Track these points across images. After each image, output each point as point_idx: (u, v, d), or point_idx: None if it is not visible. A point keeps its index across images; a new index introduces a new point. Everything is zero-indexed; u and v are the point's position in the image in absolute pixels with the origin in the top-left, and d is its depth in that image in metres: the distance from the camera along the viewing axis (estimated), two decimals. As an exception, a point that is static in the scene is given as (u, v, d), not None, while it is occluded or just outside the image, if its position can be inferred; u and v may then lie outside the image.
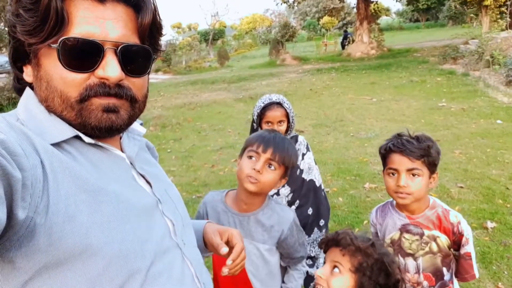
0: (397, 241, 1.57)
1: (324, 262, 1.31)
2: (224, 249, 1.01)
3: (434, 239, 1.50)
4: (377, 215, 1.68)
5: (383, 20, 30.64)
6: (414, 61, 13.80)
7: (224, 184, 4.80)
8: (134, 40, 0.73)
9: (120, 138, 0.85)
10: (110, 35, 0.69)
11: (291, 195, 2.08)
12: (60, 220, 0.59)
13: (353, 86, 10.93)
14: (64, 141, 0.70)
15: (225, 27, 41.27)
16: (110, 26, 0.69)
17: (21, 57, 0.73)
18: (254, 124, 2.10)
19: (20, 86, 0.78)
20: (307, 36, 35.28)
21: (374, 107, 8.30)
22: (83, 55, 0.68)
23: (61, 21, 0.66)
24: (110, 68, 0.69)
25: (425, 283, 1.53)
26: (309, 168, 2.13)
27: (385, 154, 1.52)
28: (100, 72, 0.69)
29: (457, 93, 8.63)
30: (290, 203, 2.08)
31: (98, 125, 0.71)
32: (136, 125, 0.89)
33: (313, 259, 2.10)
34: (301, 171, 2.11)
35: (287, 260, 1.57)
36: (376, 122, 7.09)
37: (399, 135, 1.52)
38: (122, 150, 0.82)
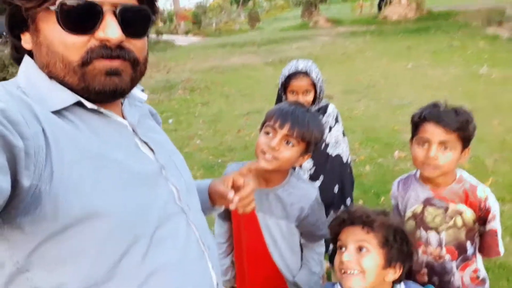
0: (419, 215, 1.52)
1: (338, 245, 1.27)
2: (230, 194, 0.97)
3: (459, 213, 1.44)
4: (399, 187, 1.62)
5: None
6: (455, 25, 12.96)
7: (250, 149, 4.80)
8: (132, 1, 0.72)
9: (122, 104, 0.84)
10: None
11: (313, 169, 2.01)
12: (64, 187, 0.60)
13: (388, 51, 10.46)
14: (65, 109, 0.69)
15: (257, -13, 40.06)
16: None
17: (18, 24, 0.72)
18: (280, 94, 2.02)
19: (18, 55, 0.77)
20: (342, -3, 33.79)
21: (409, 73, 7.96)
22: (82, 17, 0.67)
23: None
24: (110, 29, 0.68)
25: (447, 257, 1.48)
26: (336, 142, 2.03)
27: (418, 122, 1.43)
28: (100, 33, 0.68)
29: (500, 60, 8.10)
30: (312, 178, 2.01)
31: (102, 89, 0.70)
32: (137, 92, 0.89)
33: None
34: (326, 145, 2.02)
35: (307, 238, 1.52)
36: (410, 89, 6.81)
37: (435, 105, 1.42)
38: (123, 117, 0.82)
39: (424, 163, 1.41)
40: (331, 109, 2.05)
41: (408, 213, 1.55)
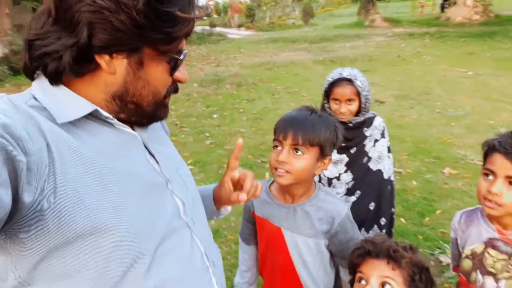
0: (478, 255, 1.35)
1: (358, 276, 1.17)
2: (241, 197, 0.99)
3: None
4: (461, 219, 1.45)
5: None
6: (525, 31, 12.03)
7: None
8: None
9: None
10: None
11: (352, 182, 1.91)
12: (68, 202, 0.60)
13: (448, 56, 9.87)
14: (77, 120, 0.69)
15: (314, -18, 39.45)
16: None
17: (116, 46, 0.67)
18: (324, 102, 1.93)
19: (34, 68, 0.69)
20: (402, -4, 32.45)
21: (469, 81, 7.44)
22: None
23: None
24: (184, 71, 0.80)
25: None
26: (379, 157, 1.91)
27: (487, 151, 1.28)
28: (178, 74, 0.78)
29: None
30: (350, 192, 1.91)
31: (163, 117, 0.82)
32: None
33: None
34: (369, 158, 1.91)
35: (340, 260, 1.41)
36: (468, 99, 6.36)
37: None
38: (133, 129, 0.81)
39: (486, 197, 1.25)
40: (378, 122, 1.93)
41: (467, 251, 1.39)
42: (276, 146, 1.28)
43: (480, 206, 1.40)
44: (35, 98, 0.68)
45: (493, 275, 1.31)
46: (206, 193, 1.10)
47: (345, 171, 1.92)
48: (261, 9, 23.97)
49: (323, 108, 1.92)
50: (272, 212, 1.40)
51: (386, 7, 21.88)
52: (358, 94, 1.79)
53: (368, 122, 1.91)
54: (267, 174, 4.09)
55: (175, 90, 0.81)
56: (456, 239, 1.47)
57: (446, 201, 3.39)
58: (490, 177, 1.25)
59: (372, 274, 1.12)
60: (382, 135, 1.92)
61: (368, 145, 1.90)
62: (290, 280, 1.43)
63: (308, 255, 1.38)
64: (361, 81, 1.80)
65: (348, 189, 1.93)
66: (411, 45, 11.67)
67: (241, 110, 6.55)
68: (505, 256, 1.28)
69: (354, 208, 1.82)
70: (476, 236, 1.37)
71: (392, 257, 1.11)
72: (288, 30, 19.44)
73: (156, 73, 0.74)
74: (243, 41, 15.58)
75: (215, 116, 6.26)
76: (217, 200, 1.10)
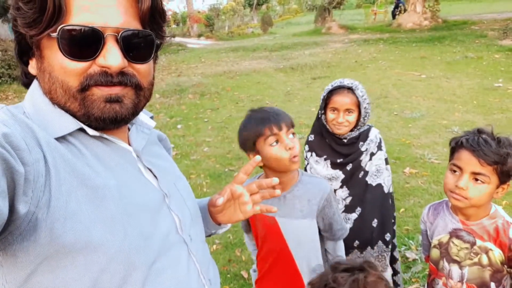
0: (444, 245, 1.44)
1: None
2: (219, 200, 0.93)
3: (486, 251, 1.34)
4: (429, 212, 1.55)
5: (440, -12, 28.51)
6: (471, 35, 12.76)
7: (258, 159, 4.73)
8: (135, 26, 0.71)
9: (129, 130, 0.84)
10: (110, 22, 0.67)
11: (349, 199, 1.82)
12: (61, 215, 0.59)
13: (401, 60, 10.33)
14: (69, 134, 0.69)
15: (270, -9, 40.07)
16: (110, 13, 0.67)
17: (25, 50, 0.73)
18: (320, 112, 1.82)
19: (27, 80, 0.78)
20: (356, 3, 33.63)
21: (423, 84, 7.81)
22: (83, 43, 0.66)
23: (58, 10, 0.65)
24: (111, 56, 0.67)
25: None
26: (377, 170, 1.81)
27: (455, 147, 1.35)
28: (101, 60, 0.67)
29: (517, 73, 7.93)
30: (349, 208, 1.82)
31: (101, 116, 0.69)
32: (146, 118, 0.89)
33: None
34: (365, 173, 1.80)
35: (327, 234, 1.52)
36: (423, 100, 6.68)
37: (479, 131, 1.32)
38: (129, 143, 0.81)
39: (452, 191, 1.33)
40: (374, 134, 1.82)
41: (434, 241, 1.48)
42: (276, 142, 1.34)
43: (446, 199, 1.49)
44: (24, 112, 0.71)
45: (458, 262, 1.40)
46: (203, 203, 1.07)
47: (341, 187, 1.83)
48: (220, 18, 24.06)
49: (318, 119, 1.86)
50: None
51: (341, 14, 22.56)
52: (358, 105, 1.71)
53: (364, 136, 1.81)
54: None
55: (107, 81, 0.68)
56: (426, 231, 1.55)
57: (408, 199, 3.53)
58: (457, 172, 1.32)
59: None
60: (379, 148, 1.82)
61: (364, 159, 1.80)
62: (286, 267, 1.51)
63: (301, 235, 1.47)
64: (362, 91, 1.71)
65: (346, 206, 1.83)
66: (367, 51, 12.10)
67: (205, 120, 6.52)
68: (467, 245, 1.37)
69: (357, 226, 1.80)
70: (442, 227, 1.46)
71: None
72: (248, 39, 19.61)
73: (54, 61, 0.67)
74: (203, 50, 15.55)
75: (179, 126, 6.20)
76: (212, 213, 1.05)
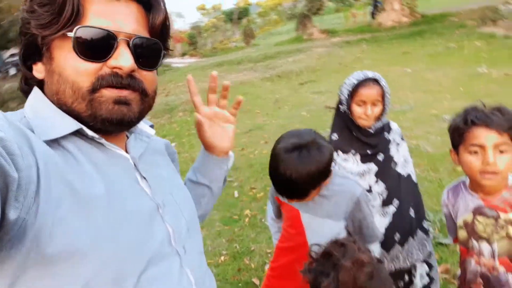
0: (470, 224, 1.42)
1: None
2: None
3: (511, 223, 1.33)
4: (449, 195, 1.53)
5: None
6: (450, 26, 12.99)
7: (255, 167, 4.73)
8: (145, 35, 0.75)
9: (127, 137, 0.84)
10: (123, 28, 0.71)
11: (386, 193, 1.78)
12: (49, 222, 0.58)
13: (385, 57, 10.47)
14: (66, 139, 0.69)
15: (249, 4, 40.62)
16: (123, 21, 0.72)
17: (32, 55, 0.74)
18: (341, 107, 1.78)
19: (27, 87, 0.79)
20: (335, 8, 34.13)
21: (408, 78, 7.92)
22: (97, 44, 0.69)
23: (76, 13, 0.68)
24: (123, 58, 0.70)
25: (502, 269, 1.36)
26: (405, 160, 1.82)
27: (465, 129, 1.32)
28: (113, 61, 0.70)
29: (499, 58, 8.07)
30: (386, 202, 1.78)
31: (109, 117, 0.70)
32: (145, 127, 0.89)
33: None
34: (395, 164, 1.79)
35: (358, 237, 1.46)
36: (410, 93, 6.76)
37: (476, 108, 1.32)
38: (127, 151, 0.80)
39: (484, 171, 1.29)
40: (395, 126, 1.83)
41: (459, 222, 1.46)
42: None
43: (462, 180, 1.49)
44: (25, 116, 0.71)
45: (486, 239, 1.38)
46: (198, 158, 1.13)
47: (376, 182, 1.78)
48: (202, 35, 24.26)
49: (339, 115, 1.82)
50: (289, 208, 1.52)
51: (321, 20, 22.84)
52: (382, 96, 1.69)
53: (387, 127, 1.81)
54: (235, 193, 4.10)
55: (117, 82, 0.71)
56: (450, 213, 1.54)
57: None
58: (478, 153, 1.30)
59: None
60: (402, 139, 1.85)
61: (393, 150, 1.80)
62: (301, 262, 1.48)
63: (323, 237, 1.39)
64: (384, 82, 1.71)
65: (383, 200, 1.78)
66: (350, 52, 12.24)
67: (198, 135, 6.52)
68: (492, 220, 1.35)
69: (397, 219, 1.77)
70: (464, 207, 1.45)
71: None
72: (231, 53, 19.76)
73: (66, 61, 0.69)
74: (188, 68, 15.63)
75: (173, 144, 6.17)
76: (210, 150, 1.10)
